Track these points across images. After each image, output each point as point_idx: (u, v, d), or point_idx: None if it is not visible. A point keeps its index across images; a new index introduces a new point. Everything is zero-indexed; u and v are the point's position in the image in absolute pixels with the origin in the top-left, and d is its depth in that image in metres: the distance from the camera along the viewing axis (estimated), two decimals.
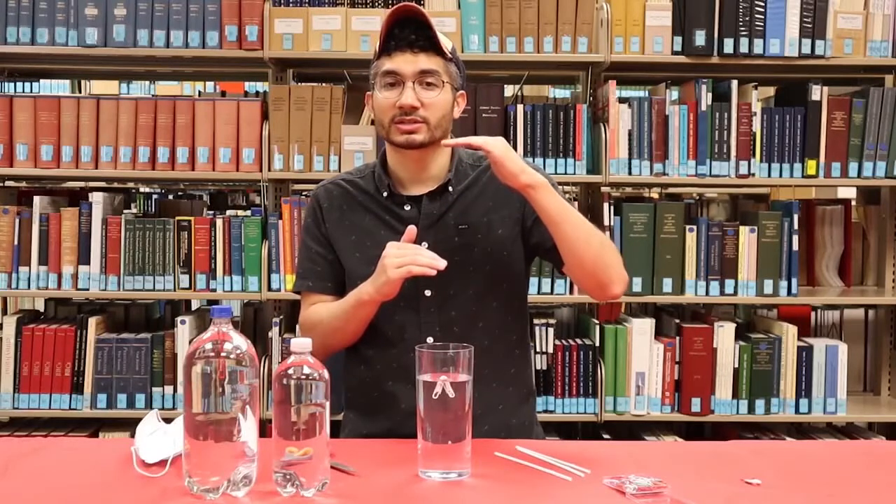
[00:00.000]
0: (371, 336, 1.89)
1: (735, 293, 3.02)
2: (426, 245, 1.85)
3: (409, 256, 1.71)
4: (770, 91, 3.48)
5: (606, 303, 3.05)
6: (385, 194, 1.89)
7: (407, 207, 1.88)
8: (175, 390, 3.01)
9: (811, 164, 3.03)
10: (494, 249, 1.87)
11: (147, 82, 5.02)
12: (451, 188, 1.88)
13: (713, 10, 2.99)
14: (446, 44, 1.84)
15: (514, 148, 2.93)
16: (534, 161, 2.97)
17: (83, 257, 2.99)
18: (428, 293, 1.85)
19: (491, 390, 1.86)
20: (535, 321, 3.01)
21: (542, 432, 2.01)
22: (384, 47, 1.83)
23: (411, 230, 1.77)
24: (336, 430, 2.03)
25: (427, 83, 1.81)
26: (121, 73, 4.19)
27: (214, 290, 3.01)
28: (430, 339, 1.83)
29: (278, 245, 3.00)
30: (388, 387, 1.87)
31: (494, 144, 1.73)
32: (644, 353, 3.03)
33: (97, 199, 2.99)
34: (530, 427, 1.96)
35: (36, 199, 3.01)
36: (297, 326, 1.99)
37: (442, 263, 1.71)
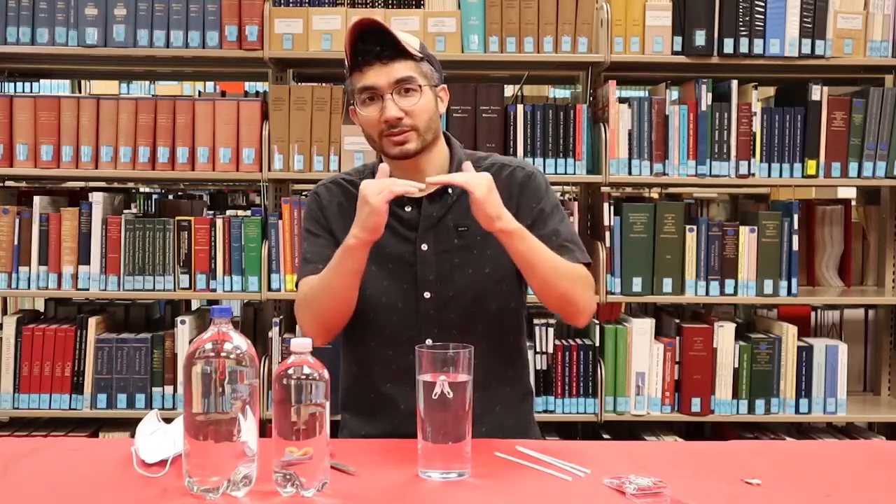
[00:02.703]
0: (369, 337, 1.88)
1: (735, 293, 3.02)
2: (426, 247, 1.85)
3: (385, 183, 1.71)
4: (770, 91, 3.48)
5: (606, 303, 3.05)
6: None
7: (407, 209, 1.87)
8: (175, 390, 3.01)
9: (811, 164, 3.03)
10: (493, 252, 1.86)
11: (147, 82, 5.02)
12: (450, 190, 1.87)
13: (713, 10, 2.99)
14: (413, 43, 1.82)
15: (515, 149, 2.98)
16: (534, 162, 2.98)
17: (83, 257, 2.99)
18: (427, 295, 1.85)
19: (489, 392, 1.85)
20: (535, 321, 3.01)
21: (539, 432, 2.01)
22: (353, 63, 1.81)
23: (384, 168, 1.77)
24: (335, 431, 2.03)
25: (405, 90, 1.80)
26: (121, 73, 4.19)
27: (214, 290, 3.01)
28: (428, 342, 1.82)
29: (278, 245, 3.00)
30: (387, 389, 1.87)
31: (478, 185, 1.71)
32: (644, 353, 3.03)
33: (97, 199, 2.99)
34: (526, 427, 1.96)
35: (36, 199, 3.01)
36: (295, 310, 1.95)
37: (420, 185, 1.72)
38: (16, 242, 2.99)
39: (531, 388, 2.03)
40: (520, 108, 3.02)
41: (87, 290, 2.99)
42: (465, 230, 1.86)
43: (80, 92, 4.64)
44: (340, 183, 1.95)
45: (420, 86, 1.81)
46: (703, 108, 3.00)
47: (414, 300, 1.85)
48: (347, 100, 3.03)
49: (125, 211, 3.25)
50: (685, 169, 3.02)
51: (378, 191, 1.69)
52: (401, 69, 1.79)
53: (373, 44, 1.79)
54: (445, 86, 1.91)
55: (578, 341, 3.06)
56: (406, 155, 1.82)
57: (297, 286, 1.95)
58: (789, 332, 3.05)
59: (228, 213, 3.41)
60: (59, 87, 4.65)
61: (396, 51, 1.79)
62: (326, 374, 1.43)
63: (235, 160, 3.02)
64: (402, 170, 1.87)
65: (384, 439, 1.76)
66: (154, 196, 4.96)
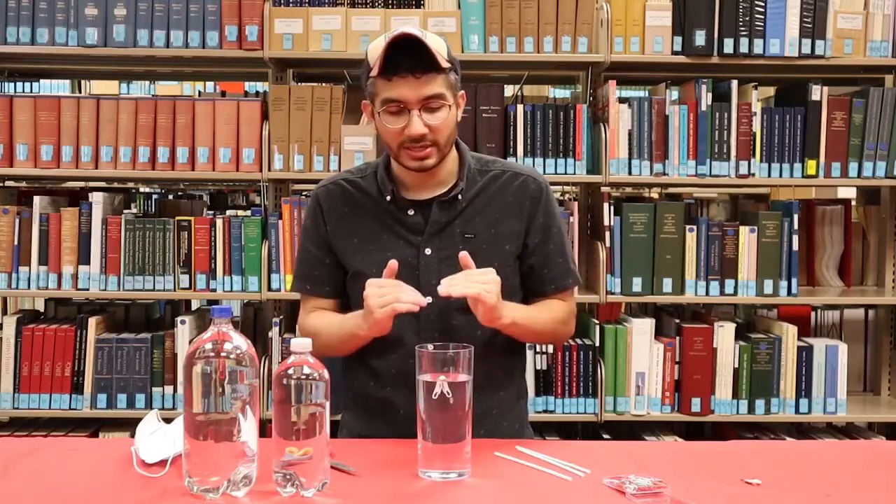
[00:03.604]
0: (370, 342, 1.88)
1: (735, 293, 3.02)
2: (430, 252, 1.85)
3: (391, 295, 1.71)
4: (770, 91, 3.48)
5: (606, 302, 3.05)
6: (388, 198, 1.87)
7: (410, 212, 1.86)
8: (175, 390, 3.01)
9: (811, 164, 3.03)
10: (499, 262, 1.85)
11: (147, 82, 5.02)
12: (459, 197, 1.86)
13: (713, 10, 2.99)
14: (442, 51, 1.78)
15: (515, 149, 2.99)
16: (533, 163, 2.98)
17: (83, 257, 2.99)
18: (428, 300, 1.84)
19: (487, 396, 1.85)
20: None
21: (532, 433, 2.01)
22: (383, 70, 1.76)
23: (392, 265, 1.76)
24: (335, 430, 2.03)
25: (432, 106, 1.77)
26: (121, 73, 4.19)
27: (214, 290, 3.00)
28: (429, 347, 1.81)
29: (278, 245, 3.00)
30: (387, 392, 1.87)
31: (489, 294, 1.71)
32: (644, 353, 3.03)
33: (97, 199, 2.99)
34: (521, 430, 1.95)
35: (36, 199, 3.01)
36: (297, 327, 2.00)
37: (424, 301, 1.72)
38: (16, 242, 2.99)
39: (526, 389, 2.03)
40: (520, 108, 3.02)
41: (87, 290, 2.99)
42: (471, 237, 1.85)
43: (80, 92, 4.63)
44: (341, 184, 1.93)
45: (448, 104, 1.79)
46: (703, 108, 3.00)
47: None
48: (346, 98, 3.04)
49: (125, 211, 3.25)
50: (685, 169, 3.02)
51: (381, 305, 1.70)
52: (432, 86, 1.76)
53: (407, 55, 1.74)
54: (464, 91, 1.88)
55: (578, 341, 3.06)
56: (423, 169, 1.81)
57: (293, 290, 1.99)
58: (789, 332, 3.05)
59: (228, 213, 3.41)
60: (59, 87, 4.65)
61: (430, 66, 1.76)
62: (326, 374, 1.43)
63: (235, 160, 3.02)
64: (410, 173, 1.86)
65: (384, 439, 1.76)
66: (154, 196, 4.96)
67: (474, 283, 1.71)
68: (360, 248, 1.88)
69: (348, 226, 1.89)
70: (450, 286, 1.70)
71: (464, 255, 1.76)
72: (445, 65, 1.78)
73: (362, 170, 1.96)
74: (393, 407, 1.85)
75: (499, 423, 1.89)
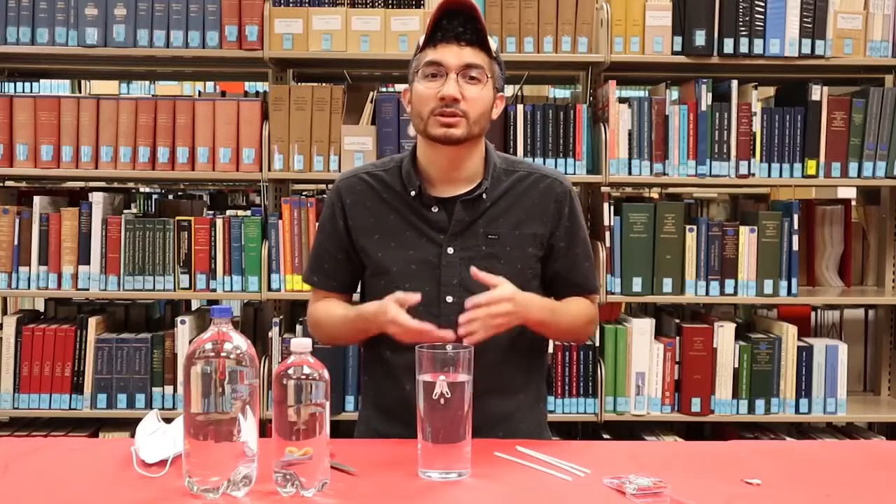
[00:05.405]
0: (390, 339, 1.87)
1: (735, 293, 3.02)
2: (452, 251, 1.83)
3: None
4: (770, 91, 3.48)
5: (606, 303, 3.05)
6: (413, 193, 1.85)
7: (434, 209, 1.84)
8: (175, 390, 3.01)
9: (811, 164, 3.03)
10: (522, 264, 1.85)
11: (147, 82, 5.02)
12: (484, 196, 1.84)
13: (713, 10, 2.99)
14: (492, 44, 1.82)
15: (515, 149, 2.99)
16: (533, 161, 2.98)
17: (83, 257, 2.99)
18: (449, 299, 1.82)
19: (507, 398, 1.85)
20: None
21: (551, 435, 2.01)
22: (430, 37, 1.79)
23: (414, 300, 1.75)
24: (349, 428, 2.02)
25: (471, 77, 1.78)
26: (121, 73, 4.19)
27: (214, 290, 3.00)
28: (448, 347, 1.77)
29: (278, 245, 3.00)
30: (407, 390, 1.85)
31: (508, 325, 1.73)
32: (644, 353, 3.03)
33: (97, 199, 2.99)
34: (539, 431, 1.95)
35: (36, 199, 3.01)
36: (307, 316, 2.01)
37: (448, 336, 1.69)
38: (16, 242, 2.99)
39: (545, 392, 2.03)
40: (520, 108, 3.02)
41: (87, 290, 2.99)
42: (494, 238, 1.84)
43: (80, 92, 4.63)
44: (364, 178, 1.91)
45: (487, 76, 1.80)
46: (703, 108, 3.00)
47: (436, 304, 1.82)
48: (346, 98, 3.04)
49: (125, 211, 3.25)
50: (685, 169, 3.02)
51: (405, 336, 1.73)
52: (474, 56, 1.78)
53: (457, 24, 1.78)
54: (504, 95, 1.89)
55: None
56: (449, 139, 1.78)
57: (303, 278, 2.01)
58: (789, 332, 3.05)
59: (228, 213, 3.41)
60: (59, 87, 4.65)
61: (476, 37, 1.78)
62: (326, 374, 1.43)
63: (235, 160, 3.02)
64: (438, 160, 1.84)
65: (384, 439, 1.76)
66: (154, 196, 4.96)
67: (490, 325, 1.70)
68: (382, 245, 1.86)
69: (370, 221, 1.87)
70: (467, 329, 1.69)
71: (474, 273, 1.75)
72: (492, 49, 1.80)
73: (385, 163, 1.94)
74: (412, 404, 1.84)
75: (517, 425, 1.89)
